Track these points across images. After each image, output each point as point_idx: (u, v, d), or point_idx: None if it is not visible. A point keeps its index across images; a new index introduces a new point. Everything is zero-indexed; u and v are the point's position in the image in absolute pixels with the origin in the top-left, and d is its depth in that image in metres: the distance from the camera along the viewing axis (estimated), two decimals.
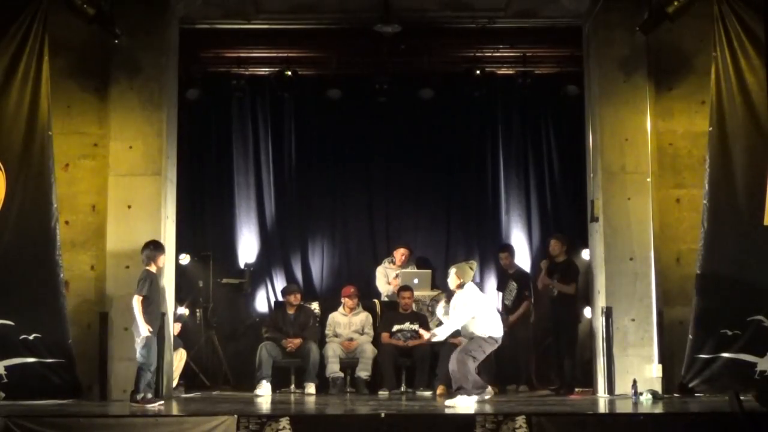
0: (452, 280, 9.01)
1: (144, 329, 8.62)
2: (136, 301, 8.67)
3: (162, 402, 8.76)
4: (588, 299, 10.50)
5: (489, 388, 9.05)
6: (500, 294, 11.20)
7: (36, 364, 9.09)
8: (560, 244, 10.54)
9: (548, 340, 10.84)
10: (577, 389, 10.17)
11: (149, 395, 8.61)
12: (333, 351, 10.42)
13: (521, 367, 10.76)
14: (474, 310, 8.86)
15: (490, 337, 8.90)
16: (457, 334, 10.22)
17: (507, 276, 11.05)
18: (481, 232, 12.47)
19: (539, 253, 11.77)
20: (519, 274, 11.03)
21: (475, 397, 8.69)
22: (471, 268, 9.07)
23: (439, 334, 9.08)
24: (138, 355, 8.70)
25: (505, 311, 10.77)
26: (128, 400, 8.84)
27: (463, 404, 8.52)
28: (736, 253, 9.22)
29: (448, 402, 8.64)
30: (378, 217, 12.59)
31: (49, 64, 9.28)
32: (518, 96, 12.28)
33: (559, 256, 10.52)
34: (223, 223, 12.44)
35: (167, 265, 9.50)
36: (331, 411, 8.49)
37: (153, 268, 8.88)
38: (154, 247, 8.97)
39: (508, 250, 11.25)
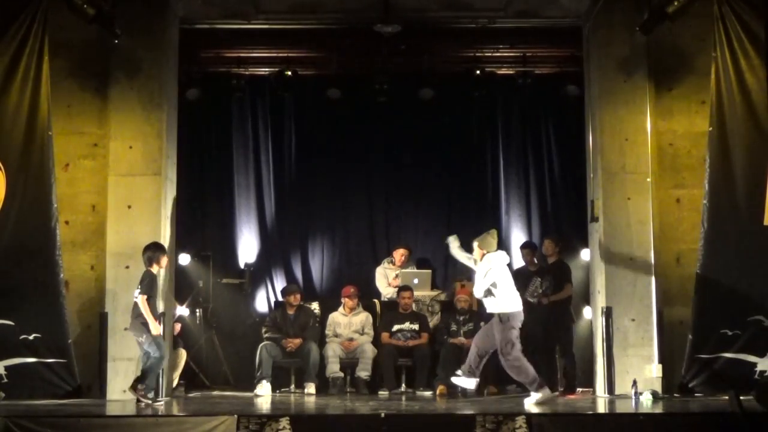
0: (476, 254, 8.94)
1: (154, 328, 8.66)
2: (142, 302, 8.68)
3: (160, 402, 8.76)
4: (588, 299, 10.50)
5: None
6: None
7: (36, 364, 9.09)
8: (553, 245, 10.53)
9: (546, 342, 10.78)
10: (578, 389, 10.17)
11: (150, 394, 8.62)
12: (333, 351, 10.42)
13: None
14: (494, 277, 8.74)
15: (510, 314, 8.69)
16: (456, 334, 10.26)
17: (530, 273, 10.99)
18: (481, 232, 12.39)
19: (539, 253, 11.72)
20: (540, 270, 10.96)
21: (545, 391, 8.56)
22: (492, 237, 9.02)
23: (476, 292, 8.95)
24: (149, 351, 8.69)
25: (529, 308, 10.79)
26: (127, 401, 8.84)
27: (545, 397, 8.44)
28: (736, 253, 9.22)
29: (530, 401, 8.44)
30: (378, 217, 12.59)
31: (49, 64, 9.28)
32: (518, 96, 12.27)
33: (551, 257, 10.51)
34: (223, 223, 12.43)
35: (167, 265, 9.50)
36: (331, 411, 8.48)
37: (154, 269, 8.90)
38: (155, 249, 8.98)
39: (530, 246, 11.15)
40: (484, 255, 8.90)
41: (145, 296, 8.70)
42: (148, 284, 8.75)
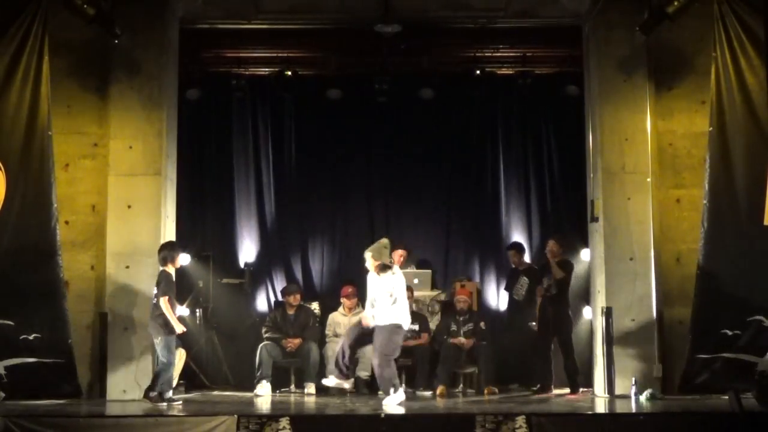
0: (369, 264, 8.99)
1: (179, 327, 8.69)
2: (164, 302, 8.66)
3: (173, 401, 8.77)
4: (588, 299, 10.49)
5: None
6: (507, 293, 11.32)
7: (36, 364, 9.09)
8: (558, 246, 10.37)
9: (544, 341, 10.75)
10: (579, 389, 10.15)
11: (167, 394, 8.64)
12: (333, 351, 10.40)
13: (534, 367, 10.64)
14: (400, 293, 8.90)
15: (398, 326, 8.83)
16: (456, 334, 10.25)
17: (517, 273, 11.06)
18: (481, 232, 12.46)
19: (539, 254, 11.75)
20: (529, 270, 11.00)
21: (401, 392, 8.70)
22: (386, 247, 9.08)
23: (370, 318, 9.01)
24: (159, 355, 8.71)
25: (516, 307, 10.92)
26: (127, 401, 8.83)
27: (397, 401, 8.54)
28: (736, 253, 9.23)
29: (386, 401, 8.56)
30: (378, 218, 12.57)
31: (49, 64, 9.28)
32: (518, 96, 12.27)
33: (555, 259, 10.34)
34: (223, 223, 12.43)
35: None
36: (331, 411, 8.49)
37: (169, 269, 8.88)
38: (171, 248, 8.99)
39: (516, 247, 11.28)
40: (379, 265, 8.96)
41: (166, 297, 8.68)
42: (165, 285, 8.73)
